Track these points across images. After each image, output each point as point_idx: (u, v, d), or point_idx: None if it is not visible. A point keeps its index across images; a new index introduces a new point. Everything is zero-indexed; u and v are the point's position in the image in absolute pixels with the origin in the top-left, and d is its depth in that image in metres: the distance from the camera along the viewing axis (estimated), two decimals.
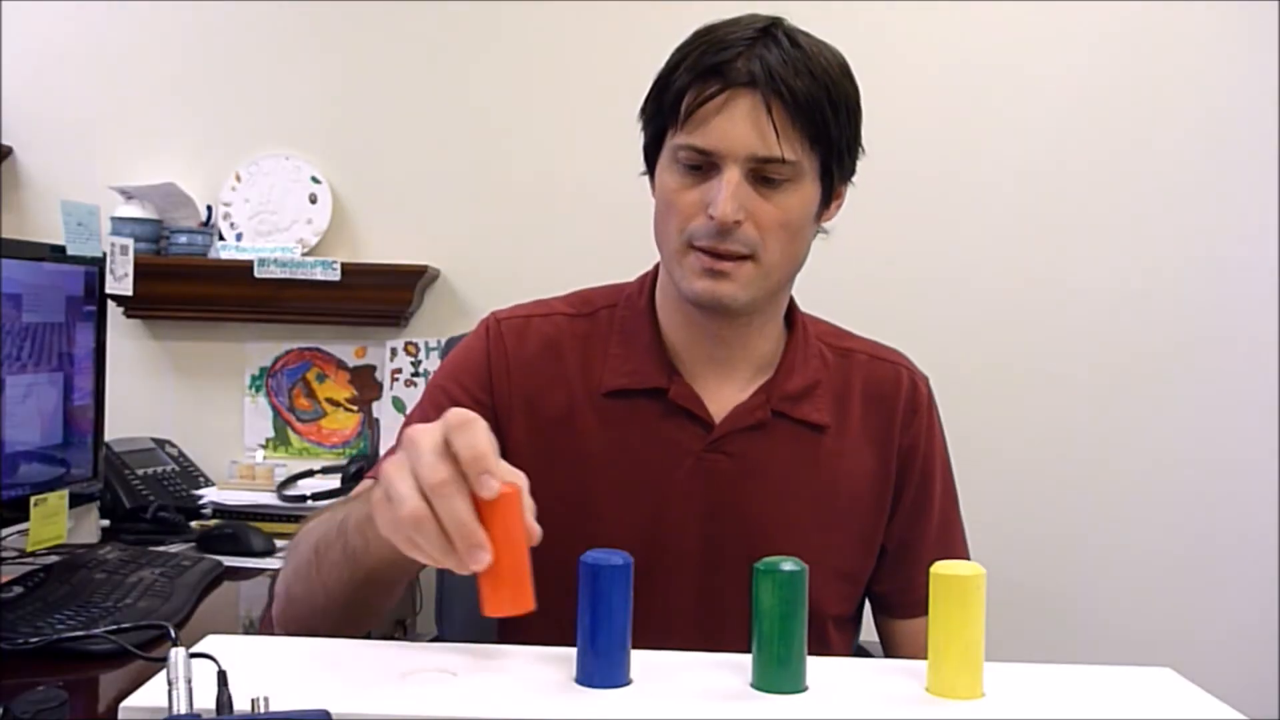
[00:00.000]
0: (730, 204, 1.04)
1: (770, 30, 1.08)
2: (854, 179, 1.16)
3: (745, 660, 0.77)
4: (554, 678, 0.76)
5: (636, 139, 1.16)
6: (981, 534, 2.42)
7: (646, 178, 1.17)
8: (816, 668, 0.77)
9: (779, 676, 0.74)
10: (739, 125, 1.05)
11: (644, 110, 1.14)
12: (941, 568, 0.75)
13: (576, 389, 1.17)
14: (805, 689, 0.75)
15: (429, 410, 1.16)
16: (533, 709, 0.70)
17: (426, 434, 0.77)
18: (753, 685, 0.75)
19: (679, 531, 1.15)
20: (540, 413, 1.17)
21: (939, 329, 2.29)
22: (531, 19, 2.35)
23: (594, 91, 2.34)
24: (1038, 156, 2.33)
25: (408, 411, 1.30)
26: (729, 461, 1.15)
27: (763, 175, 1.06)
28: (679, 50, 1.10)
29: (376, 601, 1.03)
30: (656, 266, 1.21)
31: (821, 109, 1.06)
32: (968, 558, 1.22)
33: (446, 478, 0.74)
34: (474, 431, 0.76)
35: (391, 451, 1.18)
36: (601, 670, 0.74)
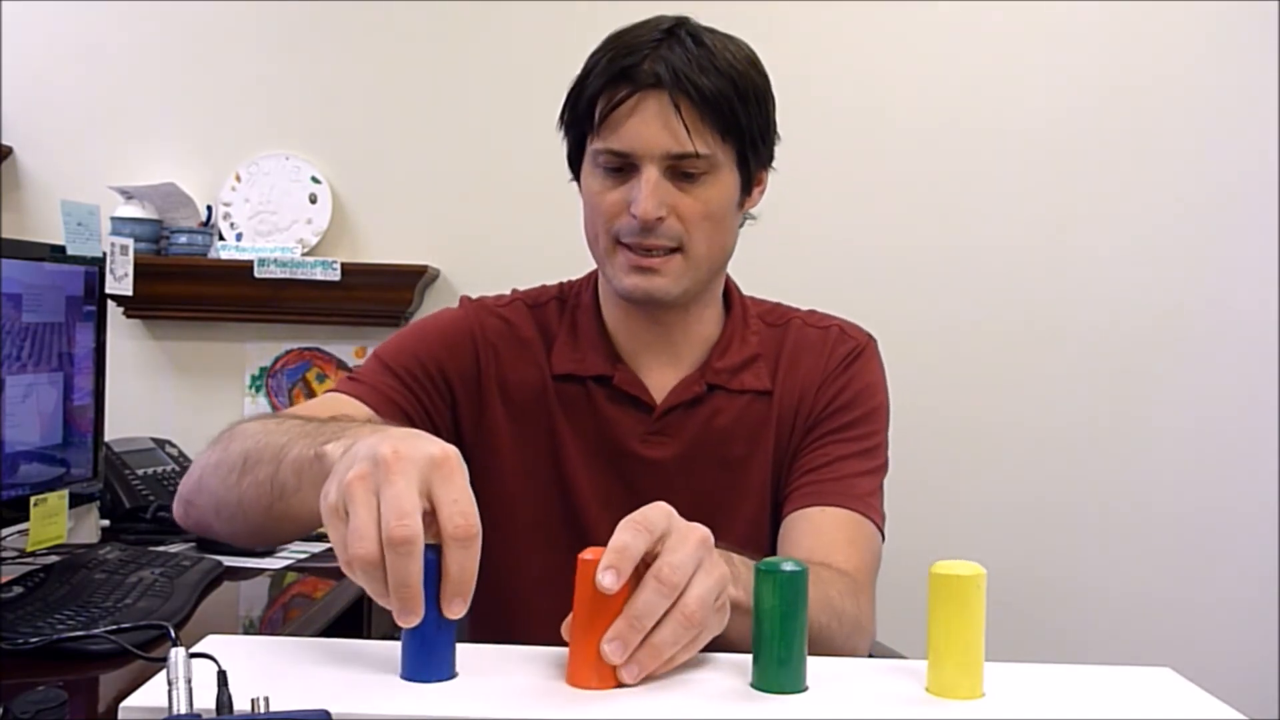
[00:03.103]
0: (650, 201, 1.09)
1: (675, 31, 1.12)
2: (774, 164, 1.20)
3: (745, 660, 0.77)
4: (554, 678, 0.76)
5: None
6: (982, 533, 2.41)
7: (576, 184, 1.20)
8: (816, 668, 0.77)
9: (779, 676, 0.74)
10: (650, 126, 1.09)
11: (562, 118, 1.19)
12: (941, 567, 0.75)
13: (544, 372, 1.22)
14: (805, 689, 0.75)
15: (404, 379, 1.18)
16: (532, 709, 0.70)
17: (405, 470, 0.70)
18: (753, 685, 0.75)
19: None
20: (514, 393, 1.22)
21: (939, 327, 2.29)
22: (531, 19, 2.35)
23: None
24: (1038, 155, 2.33)
25: (364, 361, 1.27)
26: (673, 443, 1.19)
27: (680, 170, 1.11)
28: (591, 57, 1.15)
29: (287, 532, 1.02)
30: None
31: (729, 102, 1.10)
32: (872, 519, 1.15)
33: (412, 535, 0.68)
34: (459, 487, 0.71)
35: (354, 379, 1.19)
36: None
